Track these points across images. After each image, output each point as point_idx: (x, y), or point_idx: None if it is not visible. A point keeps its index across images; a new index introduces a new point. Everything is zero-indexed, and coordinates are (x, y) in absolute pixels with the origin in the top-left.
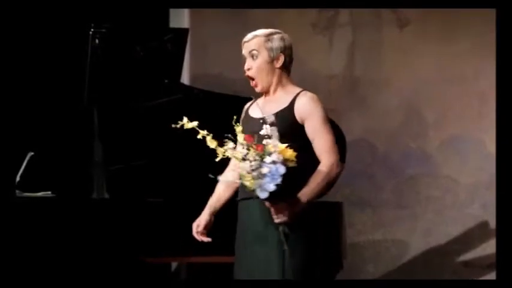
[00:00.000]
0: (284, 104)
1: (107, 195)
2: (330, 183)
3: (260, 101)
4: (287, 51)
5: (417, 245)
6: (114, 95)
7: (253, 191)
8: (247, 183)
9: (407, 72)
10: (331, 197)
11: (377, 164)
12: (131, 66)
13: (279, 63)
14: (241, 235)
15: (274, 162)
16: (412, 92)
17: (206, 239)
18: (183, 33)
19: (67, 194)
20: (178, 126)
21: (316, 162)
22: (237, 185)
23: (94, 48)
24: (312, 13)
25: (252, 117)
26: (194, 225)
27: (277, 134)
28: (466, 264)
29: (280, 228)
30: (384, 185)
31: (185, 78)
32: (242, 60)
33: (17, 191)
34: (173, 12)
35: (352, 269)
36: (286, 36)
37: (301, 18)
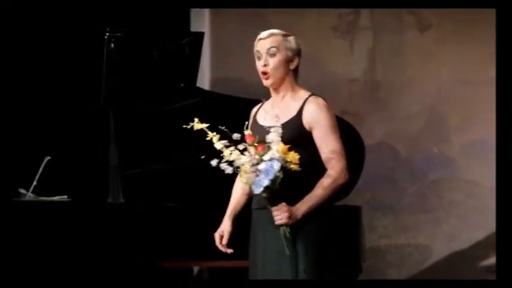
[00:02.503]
0: (293, 111)
1: (122, 200)
2: (336, 191)
3: (268, 105)
4: (300, 54)
5: (440, 249)
6: (130, 99)
7: (249, 188)
8: (244, 180)
9: (428, 76)
10: (351, 200)
11: (399, 168)
12: (147, 70)
13: (293, 65)
14: (255, 244)
15: (271, 159)
16: (434, 95)
17: (230, 250)
18: (199, 36)
19: (83, 198)
20: (188, 127)
21: (318, 169)
22: (248, 192)
23: (110, 52)
24: (332, 17)
25: (261, 125)
26: (217, 236)
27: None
28: (490, 269)
29: (281, 230)
30: (406, 189)
31: (206, 82)
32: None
33: (33, 195)
34: (194, 16)
35: (374, 274)
36: (296, 39)
37: (321, 22)
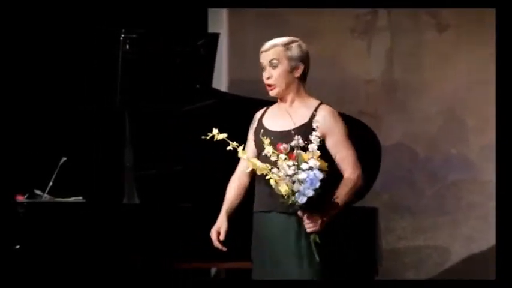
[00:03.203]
0: (304, 118)
1: (137, 201)
2: (354, 195)
3: (275, 110)
4: (306, 59)
5: (459, 251)
6: (145, 100)
7: (287, 197)
8: (283, 189)
9: (446, 77)
10: (369, 202)
11: (417, 169)
12: (162, 71)
13: (298, 73)
14: (261, 248)
15: (311, 168)
16: (452, 96)
17: (225, 248)
18: (214, 37)
19: (98, 199)
20: (208, 137)
21: (336, 174)
22: (245, 190)
23: (125, 54)
24: (350, 17)
25: (271, 130)
26: (214, 232)
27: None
28: None
29: (311, 237)
30: (425, 190)
31: (223, 84)
32: (259, 69)
33: (48, 196)
34: (211, 17)
35: (392, 275)
36: (303, 44)
37: (339, 23)
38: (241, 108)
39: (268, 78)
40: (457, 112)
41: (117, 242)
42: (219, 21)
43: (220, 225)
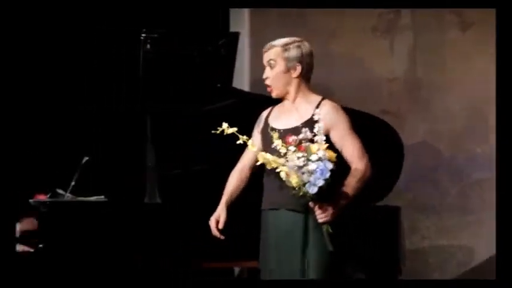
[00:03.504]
0: (307, 114)
1: (159, 200)
2: (364, 186)
3: (280, 109)
4: (305, 59)
5: (484, 251)
6: (167, 100)
7: (299, 188)
8: (293, 181)
9: (470, 75)
10: (392, 201)
11: (441, 168)
12: (183, 71)
13: (296, 73)
14: (268, 246)
15: (320, 159)
16: (476, 94)
17: (222, 237)
18: (234, 37)
19: (120, 199)
20: (218, 132)
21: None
22: (245, 183)
23: (146, 54)
24: (372, 16)
25: (276, 128)
26: (213, 220)
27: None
28: None
29: (324, 228)
30: (449, 189)
31: (245, 83)
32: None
33: (70, 195)
34: (233, 17)
35: (416, 275)
36: (305, 44)
37: (361, 22)
38: (262, 108)
39: (266, 78)
40: (481, 110)
41: (139, 241)
42: (241, 21)
43: (219, 214)
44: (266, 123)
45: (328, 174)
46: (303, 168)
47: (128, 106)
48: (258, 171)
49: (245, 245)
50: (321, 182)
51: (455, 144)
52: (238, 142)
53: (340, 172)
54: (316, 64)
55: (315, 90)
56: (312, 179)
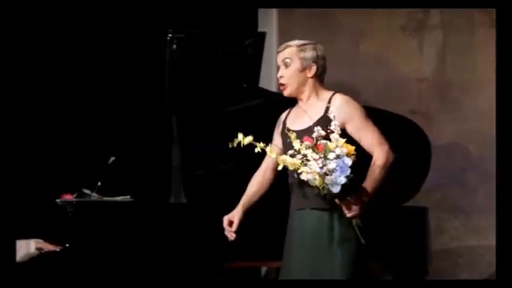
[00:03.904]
0: (320, 111)
1: (184, 200)
2: (388, 172)
3: (295, 111)
4: (320, 61)
5: None
6: (193, 100)
7: (322, 188)
8: (316, 182)
9: None
10: (421, 201)
11: (470, 168)
12: (210, 71)
13: (311, 73)
14: (297, 244)
15: (338, 157)
16: None
17: (234, 236)
18: (260, 36)
19: (145, 199)
20: (234, 145)
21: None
22: (267, 186)
23: (172, 54)
24: (401, 16)
25: (292, 130)
26: (226, 220)
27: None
28: None
29: (354, 221)
30: (478, 190)
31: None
32: (276, 69)
33: (97, 195)
34: (261, 17)
35: (445, 276)
36: (319, 46)
37: (390, 21)
38: (288, 108)
39: (281, 77)
40: None
41: (164, 241)
42: (269, 21)
43: (234, 214)
44: (284, 125)
45: (348, 171)
46: (323, 168)
47: (154, 106)
48: (285, 173)
49: (271, 245)
50: (342, 180)
51: (484, 145)
52: (256, 150)
53: (362, 163)
54: (345, 64)
55: (342, 89)
56: (333, 177)
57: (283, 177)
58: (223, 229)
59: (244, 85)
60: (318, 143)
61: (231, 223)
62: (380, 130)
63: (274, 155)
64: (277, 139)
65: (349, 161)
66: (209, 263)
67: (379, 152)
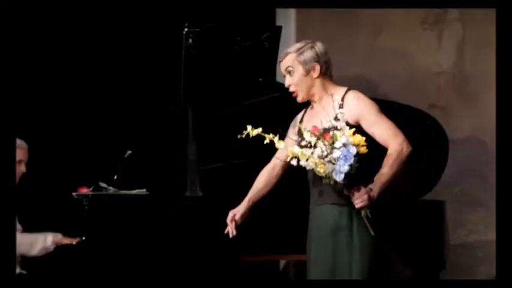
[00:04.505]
0: (334, 111)
1: (200, 193)
2: (403, 164)
3: (310, 112)
4: (322, 58)
5: None
6: (209, 94)
7: (328, 177)
8: (321, 170)
9: None
10: (439, 195)
11: (488, 162)
12: (226, 65)
13: (316, 73)
14: (318, 239)
15: (344, 145)
16: None
17: (233, 232)
18: (276, 30)
19: (161, 192)
20: (243, 136)
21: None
22: (275, 181)
23: (188, 48)
24: (420, 9)
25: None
26: (230, 214)
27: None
28: None
29: (362, 212)
30: None
31: None
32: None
33: (113, 189)
34: (279, 13)
35: (464, 270)
36: (318, 44)
37: (409, 16)
38: (304, 103)
39: (289, 85)
40: None
41: (180, 234)
42: (287, 17)
43: (240, 208)
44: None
45: (352, 160)
46: (328, 156)
47: (170, 100)
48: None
49: (289, 238)
50: (346, 169)
51: None
52: (265, 142)
53: (376, 155)
54: (363, 58)
55: (360, 83)
56: (336, 166)
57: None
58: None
59: (261, 79)
60: (326, 132)
61: (233, 219)
62: (394, 123)
63: (281, 146)
64: (292, 139)
65: (354, 150)
66: (226, 256)
67: (393, 144)
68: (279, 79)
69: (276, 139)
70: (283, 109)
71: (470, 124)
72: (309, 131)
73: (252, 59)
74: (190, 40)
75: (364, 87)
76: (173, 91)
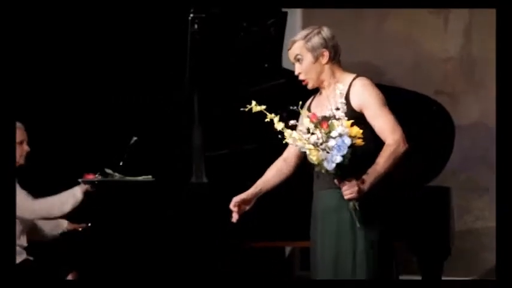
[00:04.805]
0: (335, 100)
1: (205, 180)
2: (397, 160)
3: (318, 98)
4: (329, 43)
5: None
6: (215, 80)
7: (320, 165)
8: (314, 158)
9: None
10: (445, 181)
11: (495, 148)
12: (231, 51)
13: (324, 59)
14: (315, 224)
15: (340, 135)
16: None
17: (235, 217)
18: (282, 16)
19: (167, 178)
20: (246, 109)
21: (379, 144)
22: (286, 173)
23: (194, 34)
24: None
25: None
26: (234, 200)
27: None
28: None
29: (350, 204)
30: None
31: None
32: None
33: (118, 175)
34: None
35: (470, 256)
36: (324, 29)
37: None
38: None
39: (299, 73)
40: None
41: (185, 220)
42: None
43: (241, 198)
44: (309, 111)
45: (345, 151)
46: (323, 144)
47: (176, 86)
48: None
49: (295, 224)
50: (338, 159)
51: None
52: (266, 120)
53: (372, 150)
54: (370, 43)
55: (367, 69)
56: (329, 155)
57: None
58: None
59: (266, 65)
60: (325, 120)
61: (237, 205)
62: (396, 118)
63: (280, 127)
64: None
65: (348, 141)
66: (231, 243)
67: (390, 140)
68: (284, 65)
69: (276, 119)
70: (289, 94)
71: (477, 110)
72: (308, 116)
73: (257, 45)
74: (196, 26)
75: (370, 73)
76: (179, 77)
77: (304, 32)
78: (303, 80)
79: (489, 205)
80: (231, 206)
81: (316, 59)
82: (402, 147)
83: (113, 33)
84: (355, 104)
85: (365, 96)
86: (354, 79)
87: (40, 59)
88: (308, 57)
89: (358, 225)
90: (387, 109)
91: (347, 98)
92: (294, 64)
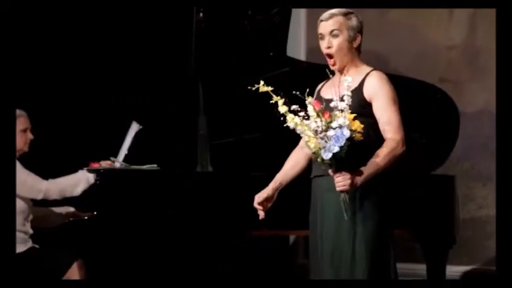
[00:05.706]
0: (355, 83)
1: (210, 169)
2: (394, 160)
3: (332, 80)
4: (362, 31)
5: None
6: (220, 69)
7: (317, 154)
8: (312, 145)
9: None
10: (449, 170)
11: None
12: (236, 40)
13: (356, 43)
14: (314, 212)
15: (340, 126)
16: None
17: (262, 214)
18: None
19: (172, 167)
20: (253, 89)
21: (379, 144)
22: (303, 163)
23: (199, 23)
24: None
25: (325, 98)
26: (257, 197)
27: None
28: None
29: (341, 196)
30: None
31: (301, 52)
32: (318, 38)
33: (124, 164)
34: None
35: (473, 245)
36: (358, 15)
37: None
38: (316, 77)
39: (328, 47)
40: None
41: (190, 209)
42: None
43: (265, 191)
44: (318, 95)
45: (343, 142)
46: (322, 133)
47: (181, 75)
48: None
49: (299, 213)
50: (335, 149)
51: None
52: (271, 102)
53: (371, 146)
54: (374, 32)
55: (371, 58)
56: (327, 145)
57: None
58: (249, 198)
59: (271, 54)
60: (328, 110)
61: (261, 202)
62: (401, 119)
63: (284, 110)
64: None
65: (347, 133)
66: (236, 231)
67: (390, 140)
68: (289, 54)
69: (280, 102)
70: (294, 83)
71: (481, 98)
72: (310, 103)
73: (262, 33)
74: (201, 14)
75: (375, 62)
76: (184, 66)
77: (342, 10)
78: (330, 58)
79: (493, 193)
80: (255, 204)
81: (351, 39)
82: (401, 149)
83: (119, 24)
84: (367, 93)
85: (379, 86)
86: (372, 70)
87: (46, 50)
88: (345, 35)
89: (346, 217)
90: (396, 107)
91: (360, 86)
92: (321, 38)
